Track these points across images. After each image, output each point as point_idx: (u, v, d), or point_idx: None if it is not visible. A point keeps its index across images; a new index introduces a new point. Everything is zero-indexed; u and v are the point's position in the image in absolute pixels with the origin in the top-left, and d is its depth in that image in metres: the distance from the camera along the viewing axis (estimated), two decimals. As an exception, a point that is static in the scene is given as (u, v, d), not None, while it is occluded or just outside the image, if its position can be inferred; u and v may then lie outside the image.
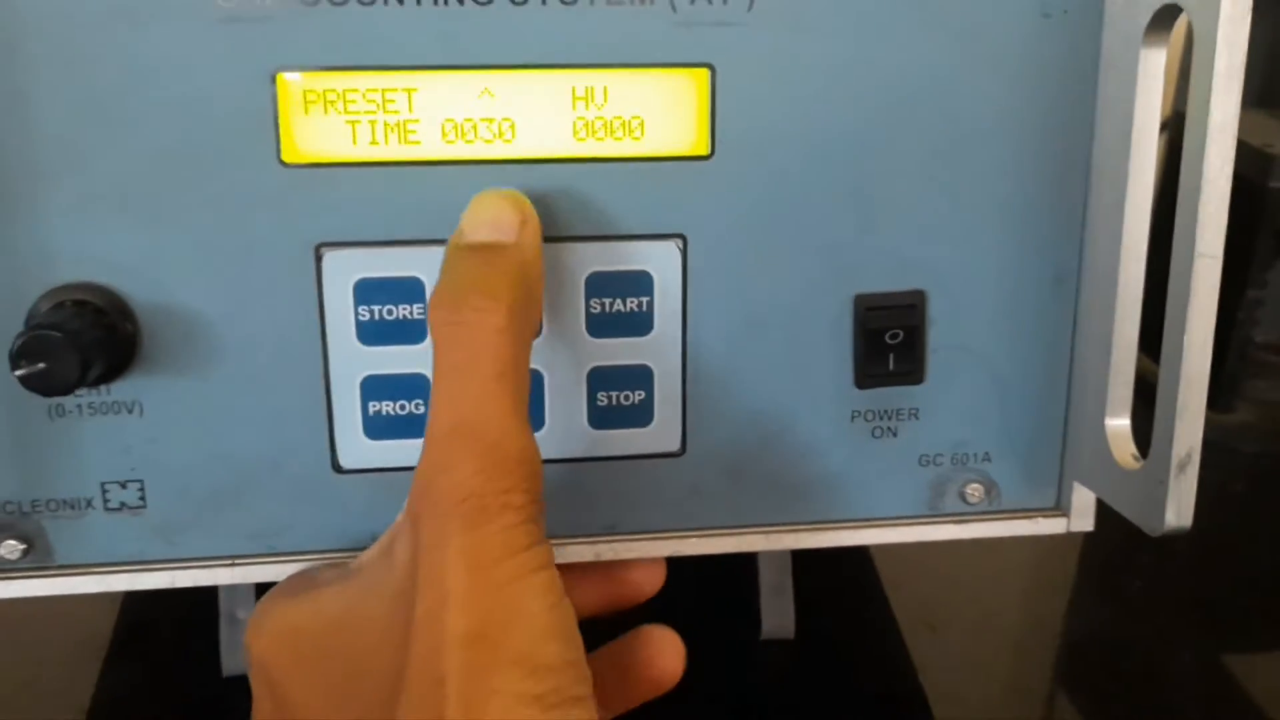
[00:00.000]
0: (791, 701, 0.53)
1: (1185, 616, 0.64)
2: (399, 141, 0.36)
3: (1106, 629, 0.63)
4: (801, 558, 0.56)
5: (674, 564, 0.41)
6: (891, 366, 0.39)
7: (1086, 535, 0.42)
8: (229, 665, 0.51)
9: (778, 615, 0.54)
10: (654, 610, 0.57)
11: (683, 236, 0.37)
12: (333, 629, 0.33)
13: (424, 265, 0.37)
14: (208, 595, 0.51)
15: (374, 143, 0.35)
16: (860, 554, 0.62)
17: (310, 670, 0.34)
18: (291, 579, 0.36)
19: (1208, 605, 0.65)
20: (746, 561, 0.56)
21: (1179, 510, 0.35)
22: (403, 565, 0.32)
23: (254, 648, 0.35)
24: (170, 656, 0.55)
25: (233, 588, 0.50)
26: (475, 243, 0.34)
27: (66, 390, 0.33)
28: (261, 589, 0.37)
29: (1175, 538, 0.35)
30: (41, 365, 0.32)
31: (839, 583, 0.60)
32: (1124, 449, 0.38)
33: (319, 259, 0.36)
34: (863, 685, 0.55)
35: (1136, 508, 0.36)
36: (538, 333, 0.37)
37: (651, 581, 0.39)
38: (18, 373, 0.32)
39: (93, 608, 0.57)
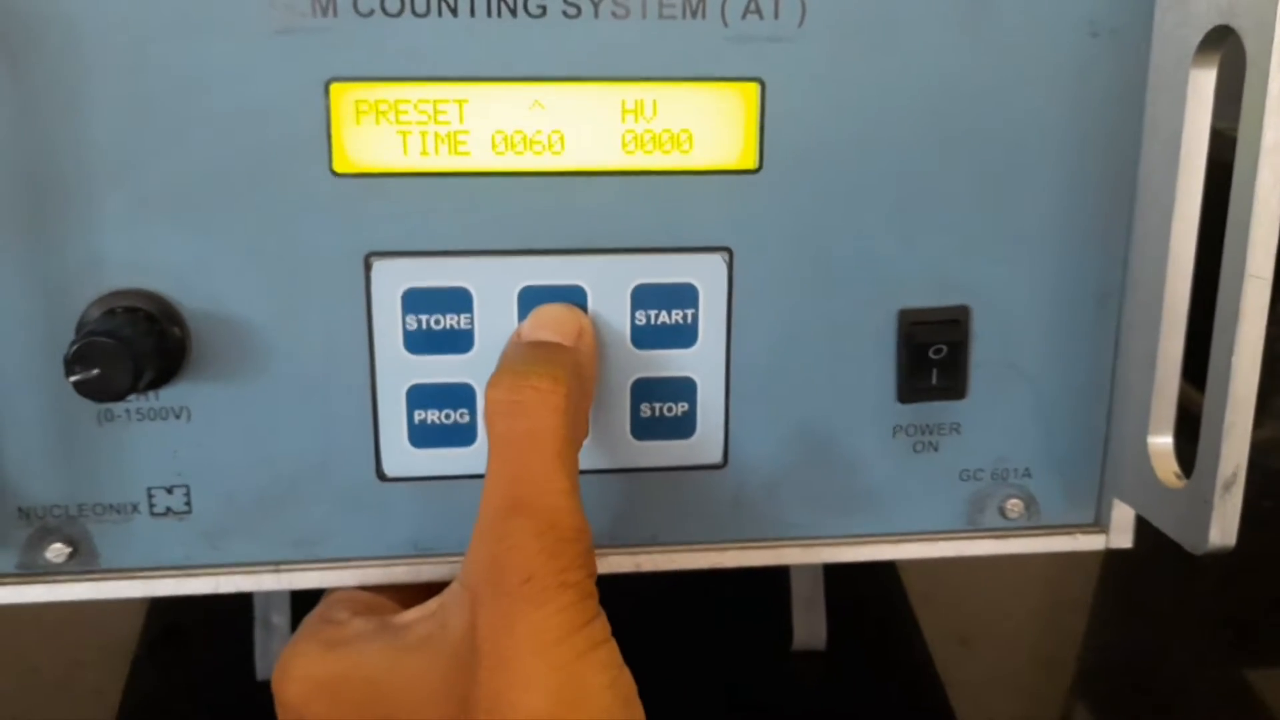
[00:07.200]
0: (822, 713, 0.53)
1: (1211, 633, 0.64)
2: (449, 152, 0.36)
3: (1134, 645, 0.63)
4: (832, 570, 0.56)
5: (707, 575, 0.41)
6: (934, 381, 0.39)
7: (1115, 550, 0.42)
8: (263, 670, 0.51)
9: (809, 626, 0.54)
10: (687, 619, 0.57)
11: (729, 250, 0.38)
12: (374, 682, 0.34)
13: (472, 276, 0.37)
14: (240, 598, 0.51)
15: (425, 153, 0.36)
16: (889, 566, 0.62)
17: (347, 718, 0.34)
18: (320, 626, 0.36)
19: (1234, 621, 0.65)
20: (778, 573, 0.56)
21: (1223, 530, 0.35)
22: (459, 633, 0.33)
23: (286, 691, 0.35)
24: (202, 659, 0.55)
25: (268, 593, 0.50)
26: (534, 340, 0.36)
27: (119, 396, 0.33)
28: (298, 595, 0.37)
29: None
30: (96, 371, 0.33)
31: (870, 595, 0.60)
32: (1167, 467, 0.38)
33: (368, 268, 0.36)
34: (892, 697, 0.55)
35: (1180, 526, 0.36)
36: (585, 435, 0.37)
37: None
38: (72, 378, 0.33)
39: (129, 608, 0.57)
